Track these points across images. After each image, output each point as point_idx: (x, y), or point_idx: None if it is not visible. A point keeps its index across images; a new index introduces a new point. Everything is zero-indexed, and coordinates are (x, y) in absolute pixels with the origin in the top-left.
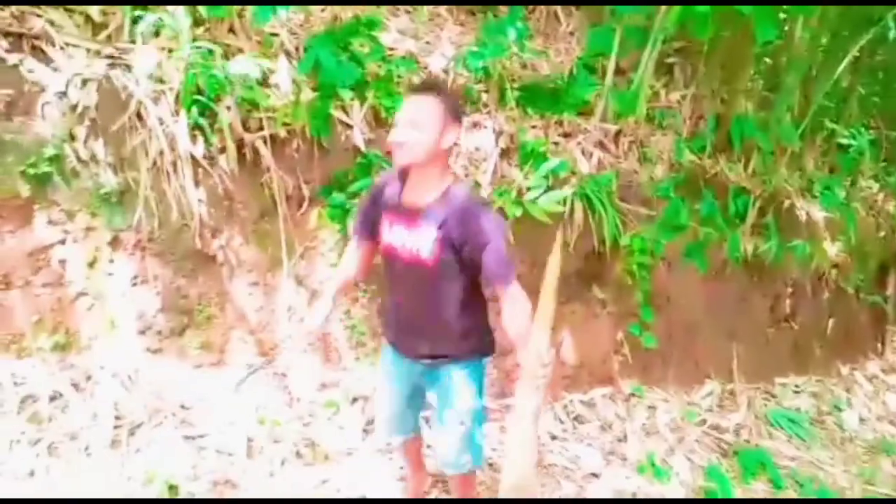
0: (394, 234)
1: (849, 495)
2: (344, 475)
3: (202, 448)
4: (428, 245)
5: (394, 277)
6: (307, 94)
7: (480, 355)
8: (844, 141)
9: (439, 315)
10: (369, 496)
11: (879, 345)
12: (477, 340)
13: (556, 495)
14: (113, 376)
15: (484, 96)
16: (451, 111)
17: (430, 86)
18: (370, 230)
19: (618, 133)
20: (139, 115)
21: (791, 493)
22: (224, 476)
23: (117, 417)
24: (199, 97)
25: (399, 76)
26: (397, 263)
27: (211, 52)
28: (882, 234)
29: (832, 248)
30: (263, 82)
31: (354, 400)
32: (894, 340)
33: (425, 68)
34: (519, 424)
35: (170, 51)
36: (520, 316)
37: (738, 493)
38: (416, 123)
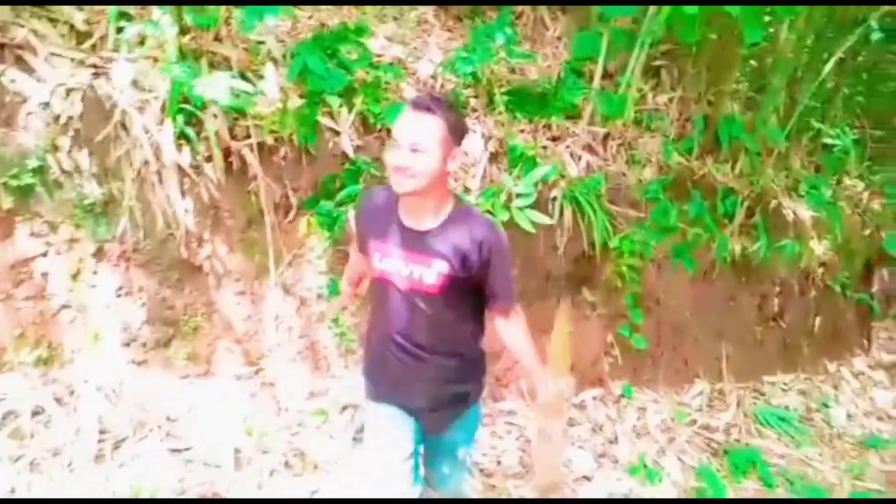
0: (388, 263)
1: (838, 491)
2: (333, 485)
3: (189, 461)
4: (436, 272)
5: (391, 310)
6: (294, 102)
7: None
8: (830, 141)
9: (450, 346)
10: None
11: (866, 341)
12: (483, 375)
13: None
14: (97, 390)
15: (472, 101)
16: (454, 132)
17: (432, 104)
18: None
19: (606, 136)
20: (124, 125)
21: (782, 491)
22: (211, 489)
23: (101, 432)
24: (184, 105)
25: (387, 82)
26: (395, 294)
27: (197, 60)
28: (867, 231)
29: (819, 247)
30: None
31: (344, 408)
32: (880, 337)
33: (413, 74)
34: (546, 446)
35: (155, 60)
36: (525, 337)
37: (729, 493)
38: (419, 147)
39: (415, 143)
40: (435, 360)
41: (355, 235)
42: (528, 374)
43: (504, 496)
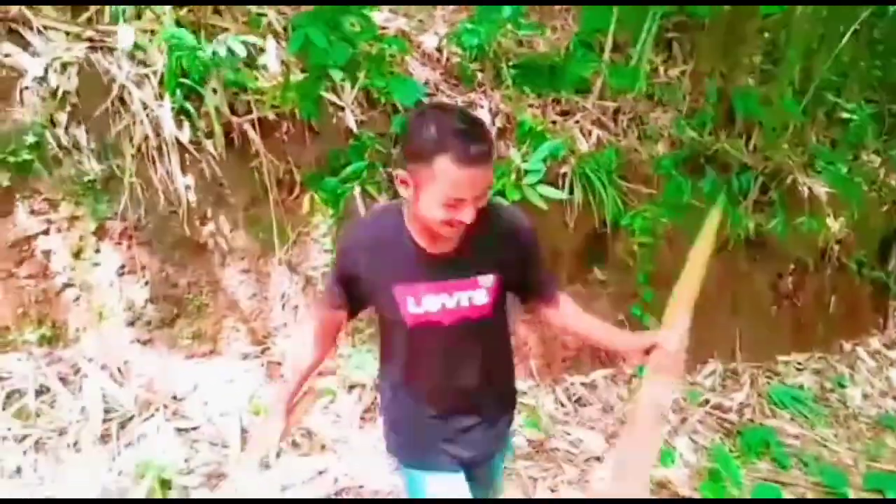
0: (428, 302)
1: (853, 472)
2: (341, 465)
3: (195, 440)
4: (485, 289)
5: (438, 356)
6: (296, 76)
7: None
8: (846, 115)
9: (500, 373)
10: (367, 486)
11: (882, 320)
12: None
13: (557, 480)
14: (102, 369)
15: (479, 75)
16: None
17: (490, 151)
18: (356, 306)
19: (617, 110)
20: (122, 100)
21: (796, 472)
22: (218, 469)
23: (107, 411)
24: (183, 80)
25: (392, 55)
26: (441, 335)
27: (195, 32)
28: (884, 208)
29: (835, 224)
30: (251, 63)
31: (351, 387)
32: None
33: (418, 47)
34: (644, 423)
35: (152, 32)
36: (584, 313)
37: (742, 473)
38: (483, 199)
39: (482, 196)
40: (493, 391)
41: (340, 289)
42: (620, 345)
43: (514, 477)
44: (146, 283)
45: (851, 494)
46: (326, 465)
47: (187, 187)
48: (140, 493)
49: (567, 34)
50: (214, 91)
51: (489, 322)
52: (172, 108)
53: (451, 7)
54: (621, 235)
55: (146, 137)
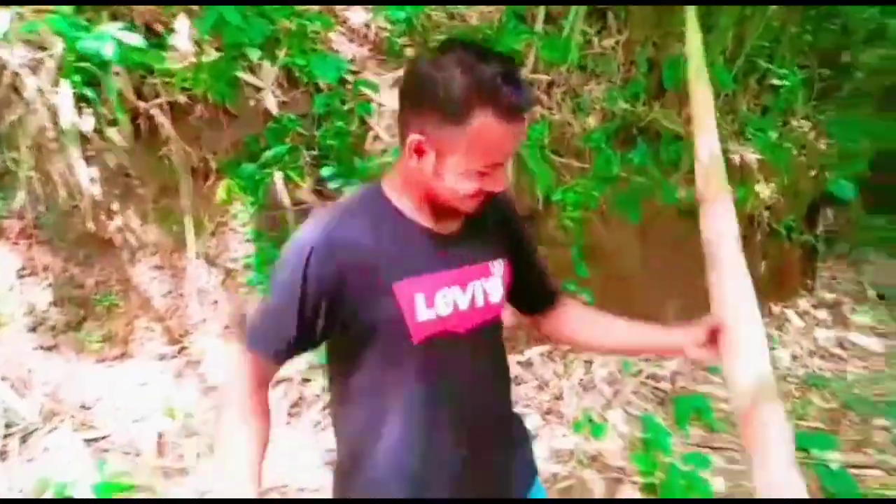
0: (442, 302)
1: None
2: (267, 464)
3: (105, 450)
4: (498, 277)
5: (451, 381)
6: (210, 56)
7: None
8: (777, 81)
9: (506, 390)
10: (291, 485)
11: (810, 281)
12: None
13: None
14: (2, 380)
15: (408, 50)
16: None
17: (532, 101)
18: (312, 342)
19: (550, 84)
20: (15, 88)
21: (728, 437)
22: (129, 479)
23: (7, 425)
24: (82, 64)
25: (314, 32)
26: (455, 348)
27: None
28: (813, 172)
29: (765, 190)
30: (159, 44)
31: (277, 383)
32: (823, 276)
33: (344, 23)
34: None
35: (50, 14)
36: (604, 313)
37: (674, 440)
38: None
39: (511, 155)
40: (506, 420)
41: (298, 326)
42: (671, 342)
43: None
44: (49, 284)
45: None
46: None
47: (91, 180)
48: None
49: (500, 7)
50: (117, 74)
51: (500, 323)
52: (71, 95)
53: None
54: (553, 211)
55: (43, 127)
